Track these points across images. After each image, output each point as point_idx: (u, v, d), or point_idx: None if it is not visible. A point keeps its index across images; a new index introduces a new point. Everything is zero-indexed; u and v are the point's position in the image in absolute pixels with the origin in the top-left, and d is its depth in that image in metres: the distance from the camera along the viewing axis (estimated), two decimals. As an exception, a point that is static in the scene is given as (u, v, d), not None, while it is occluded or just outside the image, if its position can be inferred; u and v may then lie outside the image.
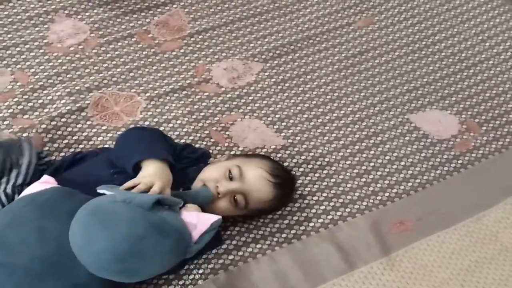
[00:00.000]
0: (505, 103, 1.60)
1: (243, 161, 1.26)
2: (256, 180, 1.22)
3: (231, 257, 1.24)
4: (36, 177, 1.18)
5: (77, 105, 1.47)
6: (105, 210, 1.03)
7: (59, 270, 1.03)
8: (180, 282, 1.19)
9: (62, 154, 1.37)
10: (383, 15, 1.79)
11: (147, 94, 1.52)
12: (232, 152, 1.42)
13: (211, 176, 1.23)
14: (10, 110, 1.43)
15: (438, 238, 1.28)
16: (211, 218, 1.11)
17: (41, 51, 1.56)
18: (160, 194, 1.09)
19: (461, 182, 1.40)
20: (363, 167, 1.43)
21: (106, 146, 1.40)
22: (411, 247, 1.26)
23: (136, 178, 1.13)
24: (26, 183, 1.18)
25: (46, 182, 1.15)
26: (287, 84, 1.60)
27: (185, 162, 1.29)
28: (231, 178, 1.21)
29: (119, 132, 1.42)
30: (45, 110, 1.44)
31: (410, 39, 1.75)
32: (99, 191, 1.09)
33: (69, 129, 1.42)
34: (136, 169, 1.16)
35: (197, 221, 1.10)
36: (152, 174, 1.14)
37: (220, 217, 1.13)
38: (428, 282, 1.20)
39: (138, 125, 1.44)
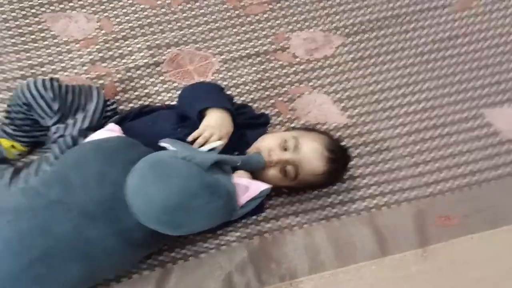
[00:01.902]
0: None
1: (301, 134, 1.41)
2: (310, 152, 1.37)
3: (268, 225, 1.42)
4: (101, 124, 1.42)
5: (154, 59, 1.69)
6: (164, 164, 1.18)
7: (111, 215, 1.20)
8: (215, 241, 1.39)
9: (131, 105, 1.60)
10: (482, 0, 1.86)
11: (222, 56, 1.72)
12: (292, 125, 1.60)
13: (266, 144, 1.38)
14: (91, 57, 1.67)
15: (481, 237, 1.39)
16: (261, 186, 1.28)
17: (129, 1, 1.79)
18: (219, 154, 1.27)
19: (520, 185, 1.48)
20: (422, 157, 1.56)
21: (174, 103, 1.63)
22: (451, 242, 1.38)
23: (199, 128, 1.33)
24: (92, 128, 1.40)
25: (112, 130, 1.36)
26: (364, 62, 1.73)
27: (243, 119, 1.46)
28: (285, 149, 1.37)
29: (187, 90, 1.64)
30: (123, 61, 1.68)
31: (506, 29, 1.81)
32: (162, 144, 1.26)
33: (142, 81, 1.65)
34: (201, 118, 1.37)
35: (248, 187, 1.26)
36: (213, 124, 1.34)
37: (270, 186, 1.30)
38: (458, 279, 1.32)
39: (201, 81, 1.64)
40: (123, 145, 1.31)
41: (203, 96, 1.42)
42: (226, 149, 1.35)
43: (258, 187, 1.29)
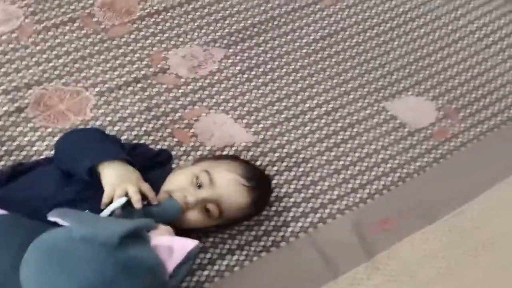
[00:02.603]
0: (481, 86, 1.71)
1: (212, 165, 1.27)
2: (229, 185, 1.24)
3: (205, 272, 1.28)
4: None
5: (15, 104, 1.45)
6: (62, 251, 0.97)
7: None
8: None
9: (2, 163, 1.36)
10: (351, -9, 1.86)
11: (97, 89, 1.52)
12: (199, 153, 1.46)
13: (176, 185, 1.23)
14: None
15: (422, 235, 1.37)
16: (188, 245, 1.06)
17: (-31, 39, 1.54)
18: (126, 221, 1.04)
19: (440, 174, 1.50)
20: (341, 162, 1.51)
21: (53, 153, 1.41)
22: (395, 247, 1.34)
23: (106, 191, 1.13)
24: None
25: None
26: (253, 72, 1.64)
27: (140, 161, 1.27)
28: (199, 186, 1.23)
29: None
30: (-21, 112, 1.43)
31: (381, 18, 1.82)
32: (50, 219, 1.02)
33: (8, 133, 1.41)
34: (91, 174, 1.16)
35: (172, 247, 1.05)
36: (119, 179, 1.14)
37: (197, 242, 1.09)
38: (414, 283, 1.29)
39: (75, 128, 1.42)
40: (1, 226, 1.07)
41: (87, 149, 1.20)
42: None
43: (183, 246, 1.07)
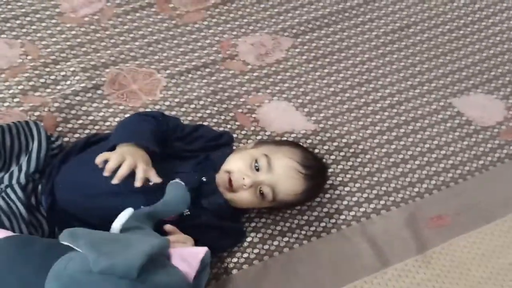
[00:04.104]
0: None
1: (271, 150, 1.30)
2: (286, 171, 1.26)
3: (256, 251, 1.32)
4: (48, 163, 1.26)
5: (93, 82, 1.54)
6: (82, 285, 0.96)
7: None
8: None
9: (77, 135, 1.45)
10: (424, -14, 1.84)
11: (168, 71, 1.59)
12: (259, 137, 1.50)
13: (236, 166, 1.26)
14: (21, 87, 1.50)
15: (479, 234, 1.35)
16: (199, 253, 1.06)
17: (53, 21, 1.63)
18: (142, 251, 0.98)
19: (505, 173, 1.47)
20: (400, 156, 1.50)
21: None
22: (449, 243, 1.33)
23: (114, 157, 1.16)
24: (40, 171, 1.24)
25: None
26: (319, 62, 1.66)
27: (202, 142, 1.34)
28: (257, 169, 1.26)
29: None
30: (58, 87, 1.52)
31: (456, 14, 1.80)
32: (62, 242, 1.00)
33: (84, 108, 1.49)
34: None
35: (185, 259, 1.04)
36: (120, 151, 1.18)
37: (206, 248, 1.07)
38: (465, 281, 1.28)
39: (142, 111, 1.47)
40: (13, 253, 1.05)
41: (117, 132, 1.27)
42: (190, 178, 1.23)
43: (195, 255, 1.06)
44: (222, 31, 1.69)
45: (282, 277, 1.27)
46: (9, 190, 1.22)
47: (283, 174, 1.26)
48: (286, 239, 1.34)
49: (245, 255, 1.31)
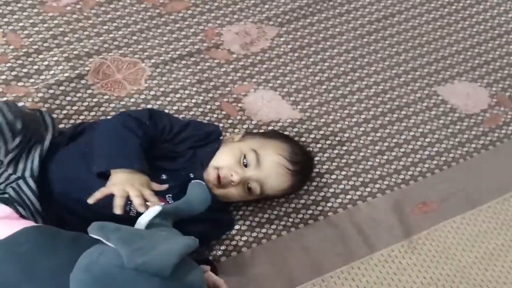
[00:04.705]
0: (540, 75, 1.69)
1: (260, 144, 1.30)
2: (274, 168, 1.27)
3: (244, 238, 1.33)
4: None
5: (76, 71, 1.53)
6: (116, 280, 0.96)
7: None
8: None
9: (61, 125, 1.44)
10: (412, -25, 1.86)
11: (152, 61, 1.59)
12: (245, 126, 1.51)
13: (224, 162, 1.27)
14: (3, 77, 1.49)
15: (463, 220, 1.38)
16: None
17: (34, 10, 1.62)
18: (177, 248, 1.00)
19: (489, 160, 1.50)
20: (386, 144, 1.52)
21: (109, 117, 1.48)
22: (434, 229, 1.36)
23: (105, 187, 1.15)
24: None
25: (9, 218, 1.12)
26: (304, 51, 1.67)
27: (190, 142, 1.32)
28: (245, 164, 1.26)
29: (122, 102, 1.50)
30: (41, 77, 1.51)
31: (439, 2, 1.82)
32: (92, 235, 1.01)
33: (68, 98, 1.49)
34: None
35: None
36: (119, 180, 1.16)
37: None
38: (451, 266, 1.30)
39: (123, 112, 1.38)
40: (39, 244, 1.06)
41: (103, 151, 1.22)
42: (177, 175, 1.24)
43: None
44: (206, 20, 1.69)
45: (270, 264, 1.28)
46: (21, 182, 1.20)
47: (272, 171, 1.27)
48: (274, 226, 1.36)
49: (234, 242, 1.32)
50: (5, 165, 1.20)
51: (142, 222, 1.09)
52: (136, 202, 1.13)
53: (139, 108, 1.50)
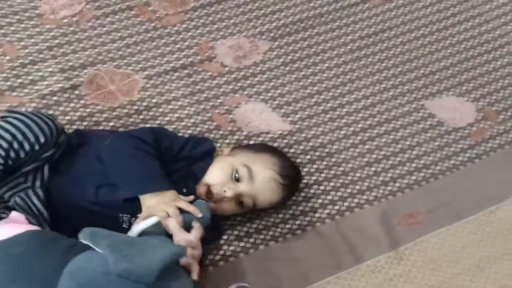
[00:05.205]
0: (525, 90, 1.72)
1: (251, 158, 1.32)
2: (266, 183, 1.30)
3: (231, 248, 1.35)
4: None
5: (70, 82, 1.56)
6: (99, 287, 0.98)
7: None
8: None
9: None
10: (402, -8, 1.90)
11: (146, 72, 1.62)
12: (236, 137, 1.53)
13: (216, 179, 1.29)
14: (-2, 87, 1.52)
15: (449, 231, 1.40)
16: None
17: (32, 22, 1.65)
18: (163, 255, 1.02)
19: (475, 173, 1.52)
20: (374, 156, 1.55)
21: (101, 127, 1.50)
22: (420, 240, 1.38)
23: (142, 214, 1.18)
24: None
25: (17, 222, 1.14)
26: (296, 65, 1.70)
27: (185, 162, 1.33)
28: (237, 179, 1.29)
29: (114, 113, 1.52)
30: (36, 87, 1.53)
31: (429, 19, 1.85)
32: (82, 240, 1.03)
33: (61, 108, 1.51)
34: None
35: None
36: (155, 203, 1.20)
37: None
38: (437, 277, 1.32)
39: (126, 133, 1.40)
40: (36, 247, 1.07)
41: (131, 177, 1.23)
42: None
43: None
44: (200, 33, 1.72)
45: (257, 274, 1.30)
46: (30, 192, 1.21)
47: (264, 186, 1.30)
48: (261, 236, 1.37)
49: (221, 252, 1.34)
50: (20, 173, 1.22)
51: (136, 230, 1.12)
52: (177, 221, 1.16)
53: (131, 120, 1.52)
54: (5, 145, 1.16)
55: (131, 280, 0.96)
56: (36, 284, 1.02)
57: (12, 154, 1.17)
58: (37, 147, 1.19)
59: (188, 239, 1.15)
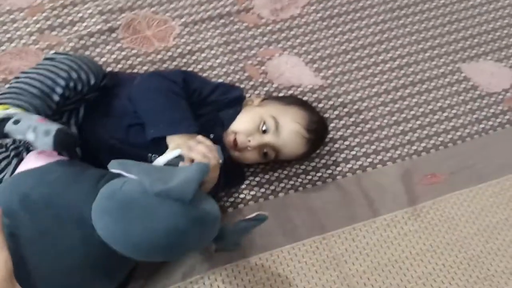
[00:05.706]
0: None
1: (279, 111, 1.36)
2: (291, 136, 1.34)
3: (252, 192, 1.40)
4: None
5: (108, 25, 1.64)
6: (139, 206, 1.03)
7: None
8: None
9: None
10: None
11: (182, 20, 1.68)
12: (266, 89, 1.58)
13: (243, 127, 1.33)
14: (38, 25, 1.61)
15: (470, 193, 1.42)
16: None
17: (74, -36, 1.72)
18: (195, 178, 1.07)
19: (503, 139, 1.53)
20: (403, 115, 1.57)
21: (135, 71, 1.57)
22: (440, 199, 1.40)
23: (169, 150, 1.22)
24: None
25: (49, 154, 1.17)
26: (333, 21, 1.73)
27: (215, 105, 1.38)
28: (264, 130, 1.33)
29: (149, 58, 1.59)
30: (74, 28, 1.61)
31: (473, -18, 1.85)
32: (112, 170, 1.09)
33: (98, 49, 1.59)
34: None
35: None
36: (182, 143, 1.23)
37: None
38: (452, 235, 1.35)
39: (157, 73, 1.44)
40: (69, 174, 1.13)
41: (160, 117, 1.29)
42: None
43: None
44: (240, -17, 1.77)
45: (274, 218, 1.34)
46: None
47: (289, 139, 1.34)
48: (282, 185, 1.43)
49: (242, 196, 1.40)
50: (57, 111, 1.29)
51: (161, 160, 1.19)
52: (199, 157, 1.20)
53: (165, 65, 1.59)
54: (64, 74, 1.26)
55: (170, 199, 1.02)
56: (69, 208, 1.08)
57: (71, 84, 1.27)
58: (87, 87, 1.30)
59: (206, 144, 1.22)
